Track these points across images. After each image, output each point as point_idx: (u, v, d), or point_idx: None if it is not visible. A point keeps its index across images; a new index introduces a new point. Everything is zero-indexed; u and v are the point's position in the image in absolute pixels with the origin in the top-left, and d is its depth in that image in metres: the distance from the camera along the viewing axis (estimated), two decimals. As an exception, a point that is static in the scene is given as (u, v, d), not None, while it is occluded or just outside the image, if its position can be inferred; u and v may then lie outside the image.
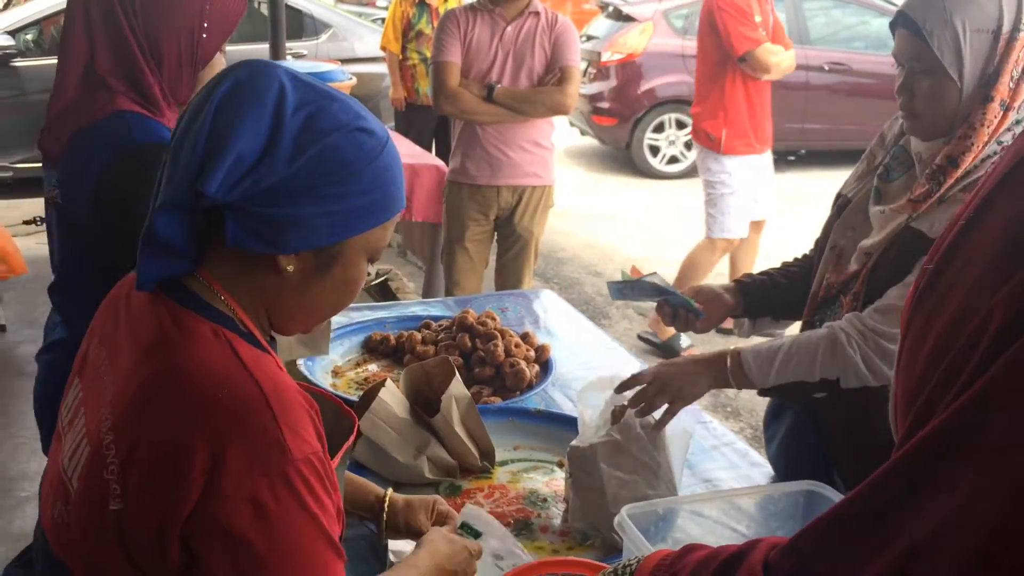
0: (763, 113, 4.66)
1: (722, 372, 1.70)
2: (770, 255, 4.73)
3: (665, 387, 1.69)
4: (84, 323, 1.25)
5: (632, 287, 1.92)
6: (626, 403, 1.71)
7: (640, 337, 4.98)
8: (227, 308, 1.10)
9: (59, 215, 1.84)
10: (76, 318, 1.65)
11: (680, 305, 1.91)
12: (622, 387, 1.73)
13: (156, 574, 1.02)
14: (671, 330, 4.72)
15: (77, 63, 1.79)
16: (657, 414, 1.70)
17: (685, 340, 4.84)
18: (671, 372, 1.71)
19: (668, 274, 1.94)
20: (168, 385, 1.03)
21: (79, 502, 1.07)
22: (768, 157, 4.82)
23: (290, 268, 1.08)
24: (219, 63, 1.83)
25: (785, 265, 2.05)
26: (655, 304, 1.95)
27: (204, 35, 1.78)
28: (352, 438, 1.33)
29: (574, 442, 1.68)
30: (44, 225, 6.15)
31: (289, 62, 5.60)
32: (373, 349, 2.42)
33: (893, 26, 1.64)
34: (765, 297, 1.97)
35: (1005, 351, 0.59)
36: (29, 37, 7.68)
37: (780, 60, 4.55)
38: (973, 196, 0.73)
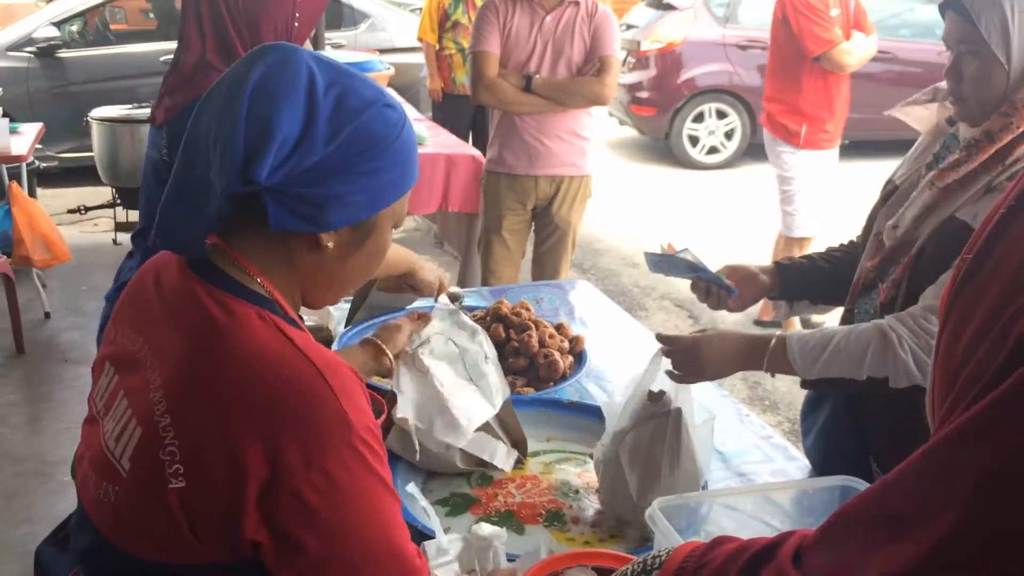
0: (842, 106, 4.54)
1: (758, 355, 1.68)
2: (813, 244, 4.68)
3: (694, 361, 1.69)
4: None
5: (667, 261, 1.92)
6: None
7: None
8: (264, 291, 1.13)
9: (164, 169, 2.04)
10: None
11: (713, 282, 1.89)
12: (663, 339, 1.74)
13: (220, 545, 1.06)
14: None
15: (193, 55, 2.03)
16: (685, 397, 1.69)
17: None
18: (704, 349, 1.70)
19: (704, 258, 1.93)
20: (229, 372, 1.06)
21: (132, 481, 1.09)
22: (835, 152, 4.70)
23: (331, 244, 1.12)
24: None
25: (829, 250, 2.02)
26: (690, 281, 1.94)
27: (296, 23, 2.00)
28: (383, 418, 1.35)
29: (601, 440, 1.68)
30: (87, 214, 6.26)
31: (328, 52, 5.63)
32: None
33: (943, 9, 1.62)
34: (804, 280, 1.95)
35: None
36: (74, 28, 7.80)
37: (858, 57, 4.43)
38: (1013, 186, 0.71)
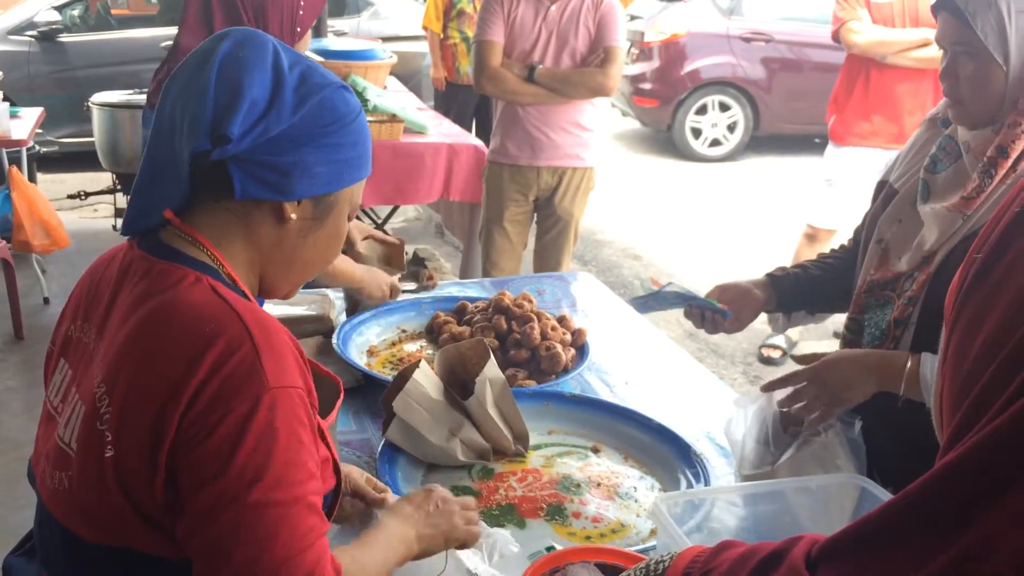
0: (889, 105, 4.10)
1: (895, 375, 1.57)
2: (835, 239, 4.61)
3: (824, 392, 1.61)
4: None
5: (655, 299, 1.91)
6: (776, 405, 1.66)
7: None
8: (212, 261, 1.15)
9: None
10: None
11: (706, 308, 1.87)
12: (771, 387, 1.67)
13: (153, 513, 1.06)
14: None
15: (198, 39, 2.09)
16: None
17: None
18: (830, 376, 1.61)
19: (697, 270, 1.92)
20: (153, 327, 1.08)
21: (79, 461, 1.10)
22: (884, 154, 4.12)
23: (294, 216, 1.15)
24: (307, 38, 2.20)
25: (821, 256, 2.01)
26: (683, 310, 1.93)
27: (300, 12, 2.11)
28: (339, 401, 1.35)
29: (745, 471, 1.66)
30: (87, 200, 6.23)
31: (330, 40, 5.60)
32: (408, 329, 2.41)
33: (936, 10, 1.59)
34: (799, 290, 1.93)
35: None
36: (75, 13, 7.77)
37: (869, 38, 4.00)
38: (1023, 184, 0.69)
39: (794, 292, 1.93)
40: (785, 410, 1.66)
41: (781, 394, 1.67)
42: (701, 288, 1.96)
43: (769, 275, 1.97)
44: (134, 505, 1.06)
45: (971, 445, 0.60)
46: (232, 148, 1.08)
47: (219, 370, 1.03)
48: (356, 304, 2.41)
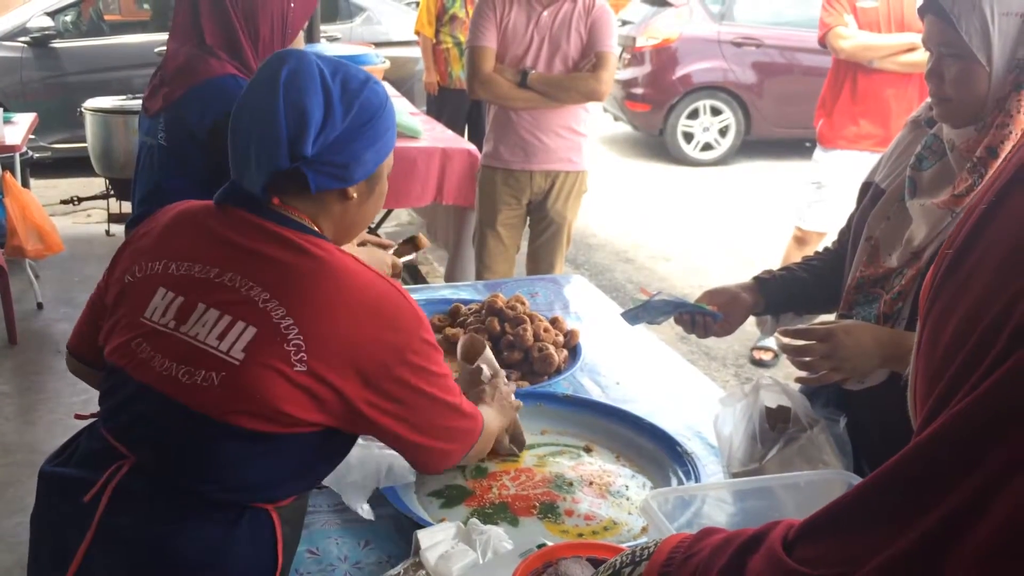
0: (876, 109, 4.12)
1: (903, 354, 1.59)
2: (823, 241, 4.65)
3: (834, 353, 1.62)
4: None
5: (645, 309, 1.93)
6: (782, 350, 1.69)
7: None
8: (322, 234, 1.46)
9: (160, 153, 2.19)
10: None
11: (696, 312, 1.90)
12: (789, 333, 1.68)
13: (322, 407, 1.34)
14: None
15: (189, 44, 2.15)
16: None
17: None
18: (846, 342, 1.63)
19: (689, 273, 1.94)
20: (338, 283, 1.38)
21: (247, 367, 1.33)
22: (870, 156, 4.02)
23: (355, 195, 1.46)
24: (300, 39, 2.26)
25: (806, 259, 2.04)
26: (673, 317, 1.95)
27: (291, 14, 2.15)
28: None
29: (733, 469, 1.68)
30: (80, 205, 6.22)
31: (323, 45, 5.62)
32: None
33: (923, 13, 1.62)
34: (786, 292, 1.95)
35: None
36: (68, 19, 7.77)
37: (856, 43, 4.03)
38: (993, 180, 0.72)
39: (781, 294, 1.96)
40: (768, 411, 1.67)
41: (768, 392, 1.69)
42: (692, 294, 1.99)
43: (756, 278, 1.99)
44: (302, 403, 1.33)
45: (942, 423, 0.62)
46: (307, 158, 1.37)
47: (397, 315, 1.38)
48: None
